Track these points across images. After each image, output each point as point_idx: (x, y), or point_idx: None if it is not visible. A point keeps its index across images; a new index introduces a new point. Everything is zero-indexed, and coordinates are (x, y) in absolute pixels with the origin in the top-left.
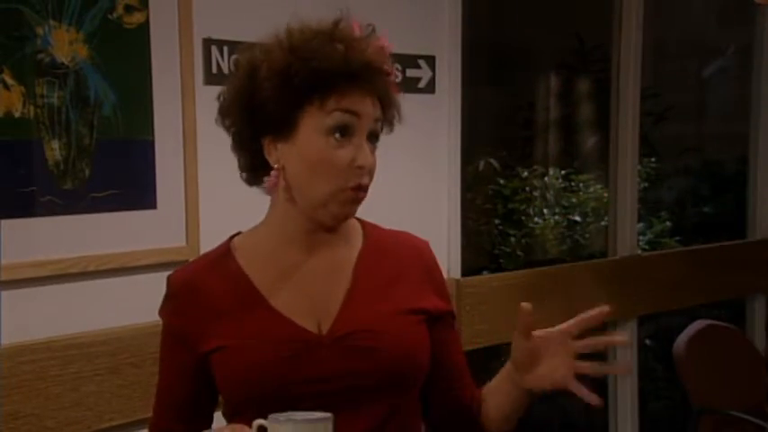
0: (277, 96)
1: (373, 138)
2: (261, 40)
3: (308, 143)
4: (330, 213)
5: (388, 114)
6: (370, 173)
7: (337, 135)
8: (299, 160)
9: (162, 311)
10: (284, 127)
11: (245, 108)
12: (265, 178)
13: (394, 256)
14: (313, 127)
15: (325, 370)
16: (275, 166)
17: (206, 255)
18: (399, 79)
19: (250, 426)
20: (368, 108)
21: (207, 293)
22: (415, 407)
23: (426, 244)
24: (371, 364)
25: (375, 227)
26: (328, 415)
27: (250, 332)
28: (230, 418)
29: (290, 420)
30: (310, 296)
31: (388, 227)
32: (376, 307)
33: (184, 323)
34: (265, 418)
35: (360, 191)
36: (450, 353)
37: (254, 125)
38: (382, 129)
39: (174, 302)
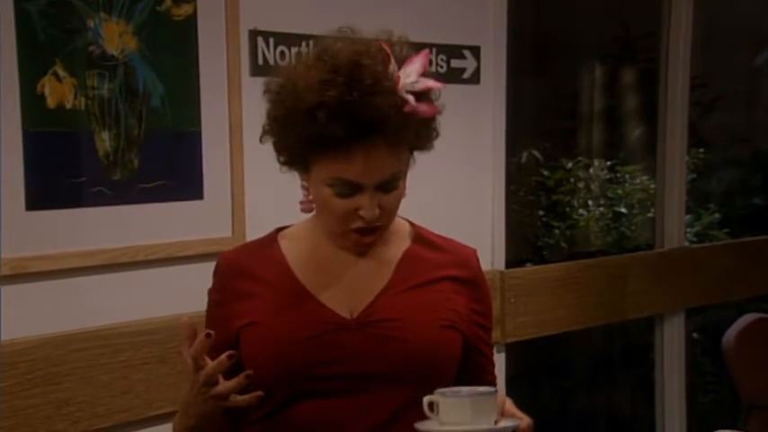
0: (284, 144)
1: (390, 184)
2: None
3: (315, 187)
4: (349, 243)
5: (415, 145)
6: (387, 215)
7: (337, 189)
8: (314, 195)
9: (209, 289)
10: (300, 166)
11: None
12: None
13: (439, 261)
14: (316, 177)
15: (350, 353)
16: (304, 184)
17: (253, 241)
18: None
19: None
20: (368, 169)
21: (247, 272)
22: None
23: (474, 252)
24: (394, 351)
25: (424, 231)
26: (492, 389)
27: (282, 311)
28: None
29: (465, 396)
30: (347, 287)
31: (436, 229)
32: (409, 301)
33: (223, 298)
34: (287, 397)
35: (364, 234)
36: (478, 373)
37: (280, 154)
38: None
39: (216, 278)
